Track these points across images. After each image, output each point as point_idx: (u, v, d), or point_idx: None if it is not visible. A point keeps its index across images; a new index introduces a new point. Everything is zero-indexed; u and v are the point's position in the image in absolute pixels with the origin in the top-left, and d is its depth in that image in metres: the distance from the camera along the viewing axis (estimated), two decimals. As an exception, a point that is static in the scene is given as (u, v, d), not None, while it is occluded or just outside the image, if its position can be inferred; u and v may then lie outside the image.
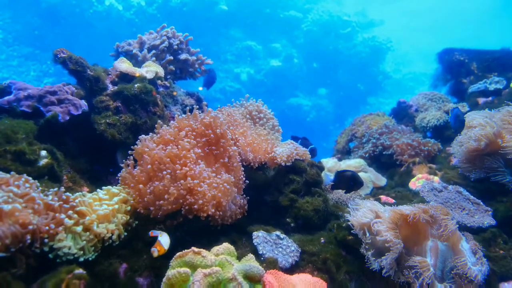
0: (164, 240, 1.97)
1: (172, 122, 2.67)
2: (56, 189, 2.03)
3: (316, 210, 2.67)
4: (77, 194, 2.16)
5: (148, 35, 3.81)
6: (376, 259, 2.12)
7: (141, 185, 2.24)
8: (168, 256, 1.83)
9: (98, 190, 2.28)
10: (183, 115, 2.68)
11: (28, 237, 1.71)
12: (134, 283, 1.97)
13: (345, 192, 3.08)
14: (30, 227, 1.70)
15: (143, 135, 2.50)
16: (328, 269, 2.24)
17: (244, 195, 2.62)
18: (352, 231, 2.35)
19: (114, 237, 2.04)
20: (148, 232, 2.07)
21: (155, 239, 2.24)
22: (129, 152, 2.47)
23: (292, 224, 2.70)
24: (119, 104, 2.90)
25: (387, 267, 2.02)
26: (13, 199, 1.73)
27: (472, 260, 2.06)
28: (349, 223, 2.36)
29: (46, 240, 1.79)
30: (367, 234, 2.22)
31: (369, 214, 2.31)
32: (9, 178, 1.84)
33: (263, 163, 2.84)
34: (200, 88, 4.01)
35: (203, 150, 2.50)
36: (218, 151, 2.54)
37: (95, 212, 2.04)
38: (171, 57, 3.70)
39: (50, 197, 1.93)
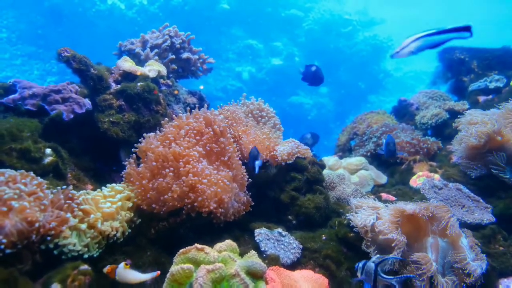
0: (124, 274, 1.76)
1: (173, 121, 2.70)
2: (64, 187, 2.06)
3: (317, 207, 2.70)
4: (81, 191, 2.19)
5: (150, 34, 3.83)
6: (378, 255, 2.15)
7: (144, 181, 2.27)
8: (171, 252, 1.86)
9: (103, 187, 2.31)
10: (185, 114, 2.70)
11: (34, 234, 1.74)
12: (138, 279, 1.99)
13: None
14: (37, 224, 1.73)
15: (152, 133, 2.53)
16: (329, 266, 2.27)
17: (247, 192, 2.65)
18: (354, 229, 2.37)
19: (119, 234, 2.06)
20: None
21: (159, 235, 2.27)
22: (133, 150, 2.50)
23: (293, 221, 2.73)
24: (122, 102, 2.93)
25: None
26: (20, 196, 1.76)
27: (471, 256, 2.08)
28: (351, 223, 2.38)
29: (49, 238, 1.81)
30: (369, 232, 2.24)
31: (371, 212, 2.33)
32: (16, 175, 1.87)
33: (265, 161, 2.86)
34: (201, 87, 4.03)
35: (204, 148, 2.52)
36: (219, 148, 2.57)
37: (101, 209, 2.06)
38: (174, 56, 3.72)
39: (57, 195, 1.96)
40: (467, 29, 1.85)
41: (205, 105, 2.82)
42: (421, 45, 1.87)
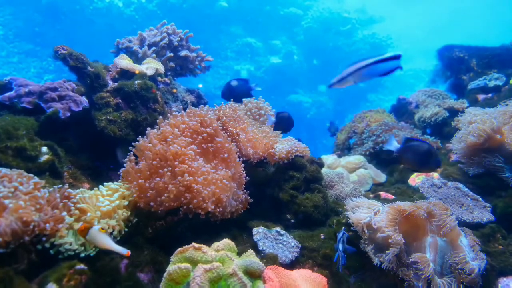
0: (97, 236, 1.75)
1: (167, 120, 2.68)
2: (60, 185, 2.03)
3: (316, 206, 2.68)
4: (78, 190, 2.17)
5: (148, 32, 3.81)
6: (376, 254, 2.14)
7: (141, 180, 2.25)
8: (169, 252, 1.84)
9: (100, 186, 2.29)
10: (180, 113, 2.68)
11: (29, 234, 1.72)
12: (135, 278, 1.98)
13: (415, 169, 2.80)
14: (32, 224, 1.71)
15: (153, 129, 2.50)
16: (328, 265, 2.26)
17: (245, 190, 2.63)
18: (352, 228, 2.36)
19: (115, 232, 2.05)
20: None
21: (156, 234, 2.26)
22: (130, 148, 2.48)
23: (292, 220, 2.71)
24: (120, 100, 2.91)
25: (388, 262, 2.04)
26: (16, 195, 1.74)
27: (471, 256, 2.07)
28: (349, 221, 2.37)
29: (44, 239, 1.80)
30: (366, 231, 2.23)
31: (368, 211, 2.32)
32: (12, 174, 1.85)
33: (262, 159, 2.85)
34: (200, 85, 4.02)
35: (200, 146, 2.50)
36: (215, 147, 2.55)
37: (98, 208, 2.05)
38: (171, 54, 3.71)
39: (53, 194, 1.94)
40: (397, 57, 1.82)
41: (201, 106, 2.80)
42: (366, 74, 1.82)
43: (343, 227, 2.30)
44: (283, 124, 2.42)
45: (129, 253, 1.74)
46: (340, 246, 2.08)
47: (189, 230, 2.39)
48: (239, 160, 2.63)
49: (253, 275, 1.75)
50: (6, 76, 2.76)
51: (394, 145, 2.58)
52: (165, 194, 2.18)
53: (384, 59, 1.85)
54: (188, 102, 3.67)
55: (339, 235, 2.14)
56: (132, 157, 2.42)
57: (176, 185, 2.18)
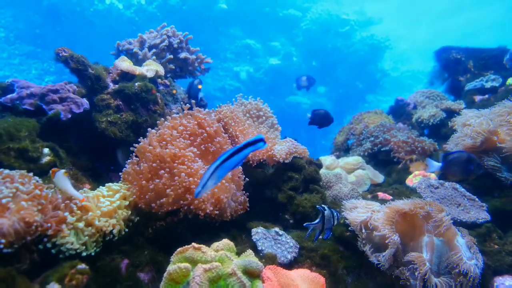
0: (60, 179, 1.97)
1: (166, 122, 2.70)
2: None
3: (314, 206, 2.71)
4: (80, 191, 2.19)
5: (148, 34, 3.84)
6: (373, 254, 2.16)
7: (143, 182, 2.27)
8: (169, 252, 1.87)
9: (101, 187, 2.32)
10: (179, 114, 2.71)
11: (32, 234, 1.74)
12: (135, 278, 2.00)
13: (462, 180, 2.79)
14: (34, 224, 1.74)
15: (153, 130, 2.53)
16: (326, 264, 2.28)
17: (244, 192, 2.66)
18: (350, 228, 2.39)
19: (115, 231, 2.07)
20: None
21: (156, 234, 2.28)
22: (131, 149, 2.50)
23: (290, 221, 2.74)
24: (120, 102, 2.93)
25: (385, 262, 2.06)
26: (17, 195, 1.77)
27: (467, 255, 2.09)
28: (347, 221, 2.40)
29: (45, 239, 1.82)
30: (363, 230, 2.25)
31: (366, 211, 2.34)
32: (14, 175, 1.88)
33: (262, 160, 2.87)
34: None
35: (199, 148, 2.53)
36: (215, 147, 2.57)
37: (99, 209, 2.07)
38: (171, 56, 3.73)
39: (54, 194, 1.97)
40: (261, 140, 1.78)
41: (193, 103, 2.82)
42: (221, 173, 1.78)
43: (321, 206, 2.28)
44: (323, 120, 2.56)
45: (84, 199, 2.00)
46: (316, 221, 2.13)
47: (189, 230, 2.41)
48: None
49: (252, 274, 1.78)
50: (7, 78, 2.78)
51: (435, 166, 2.63)
52: (164, 199, 2.21)
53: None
54: (189, 104, 3.69)
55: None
56: (135, 159, 2.45)
57: (175, 187, 2.21)
